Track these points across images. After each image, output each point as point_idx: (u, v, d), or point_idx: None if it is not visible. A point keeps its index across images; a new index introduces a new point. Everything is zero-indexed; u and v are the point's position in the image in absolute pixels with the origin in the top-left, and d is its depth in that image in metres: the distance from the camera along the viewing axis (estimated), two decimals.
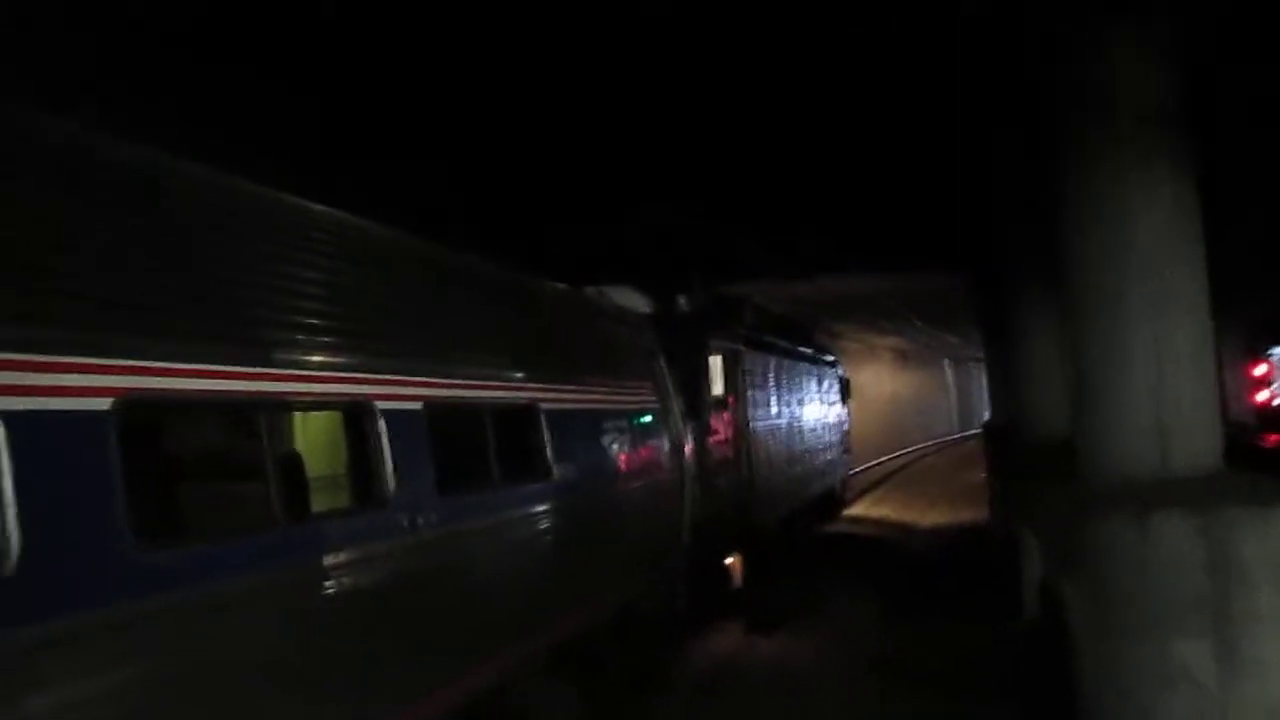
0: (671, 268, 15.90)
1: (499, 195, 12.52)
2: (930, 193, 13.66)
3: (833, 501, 24.06)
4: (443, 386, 6.69)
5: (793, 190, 13.56)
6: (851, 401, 27.29)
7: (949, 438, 49.95)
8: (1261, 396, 25.10)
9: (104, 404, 3.94)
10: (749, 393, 15.78)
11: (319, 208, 6.14)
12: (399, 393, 6.04)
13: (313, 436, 6.27)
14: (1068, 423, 7.44)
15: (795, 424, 19.67)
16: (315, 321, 5.55)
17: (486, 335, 7.70)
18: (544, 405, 8.01)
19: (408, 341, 6.47)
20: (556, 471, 8.00)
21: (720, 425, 14.20)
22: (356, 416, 5.76)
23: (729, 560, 14.00)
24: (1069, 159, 6.92)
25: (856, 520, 24.13)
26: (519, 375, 7.94)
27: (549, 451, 7.94)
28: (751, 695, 10.13)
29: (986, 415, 28.27)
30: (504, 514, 7.34)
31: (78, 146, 4.42)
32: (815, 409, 22.21)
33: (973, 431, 44.44)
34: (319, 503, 5.63)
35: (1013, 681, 8.97)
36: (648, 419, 10.71)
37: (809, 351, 22.77)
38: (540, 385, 8.13)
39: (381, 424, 5.75)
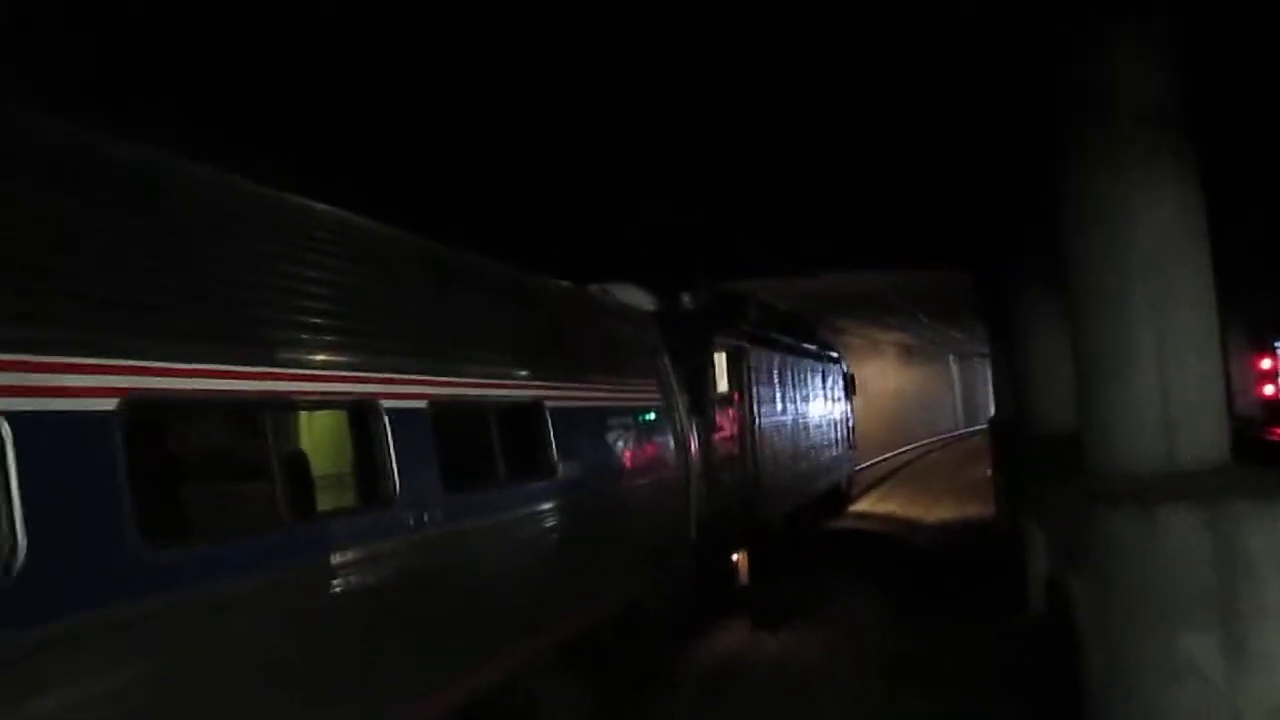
0: (673, 267, 15.89)
1: (499, 195, 12.51)
2: (931, 193, 13.63)
3: (838, 498, 24.06)
4: (447, 385, 6.69)
5: (793, 190, 13.54)
6: (856, 397, 27.28)
7: (954, 433, 49.94)
8: (1269, 390, 25.06)
9: (109, 404, 3.95)
10: (754, 389, 15.77)
11: (321, 207, 6.14)
12: (403, 391, 6.04)
13: (317, 435, 6.27)
14: (1073, 418, 7.42)
15: (800, 420, 19.67)
16: (319, 321, 5.56)
17: (490, 333, 7.69)
18: (549, 403, 8.01)
19: (411, 340, 6.47)
20: (561, 469, 8.00)
21: (725, 422, 14.20)
22: (361, 415, 5.77)
23: (735, 557, 13.99)
24: (1069, 159, 6.92)
25: (862, 516, 24.11)
26: (523, 373, 7.94)
27: (554, 449, 7.95)
28: (757, 693, 10.13)
29: (992, 410, 28.27)
30: (509, 512, 7.34)
31: (78, 146, 4.42)
32: (820, 405, 22.20)
33: (978, 427, 44.52)
34: (324, 502, 5.65)
35: (1019, 676, 8.96)
36: (652, 416, 10.71)
37: (813, 347, 22.77)
38: (545, 383, 8.13)
39: (386, 422, 5.75)
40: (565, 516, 8.03)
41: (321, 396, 5.57)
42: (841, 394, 25.39)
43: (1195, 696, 5.85)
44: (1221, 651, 5.84)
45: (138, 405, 4.10)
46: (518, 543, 7.44)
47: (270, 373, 5.01)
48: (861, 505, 26.00)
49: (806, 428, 20.27)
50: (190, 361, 4.45)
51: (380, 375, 5.87)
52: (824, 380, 23.12)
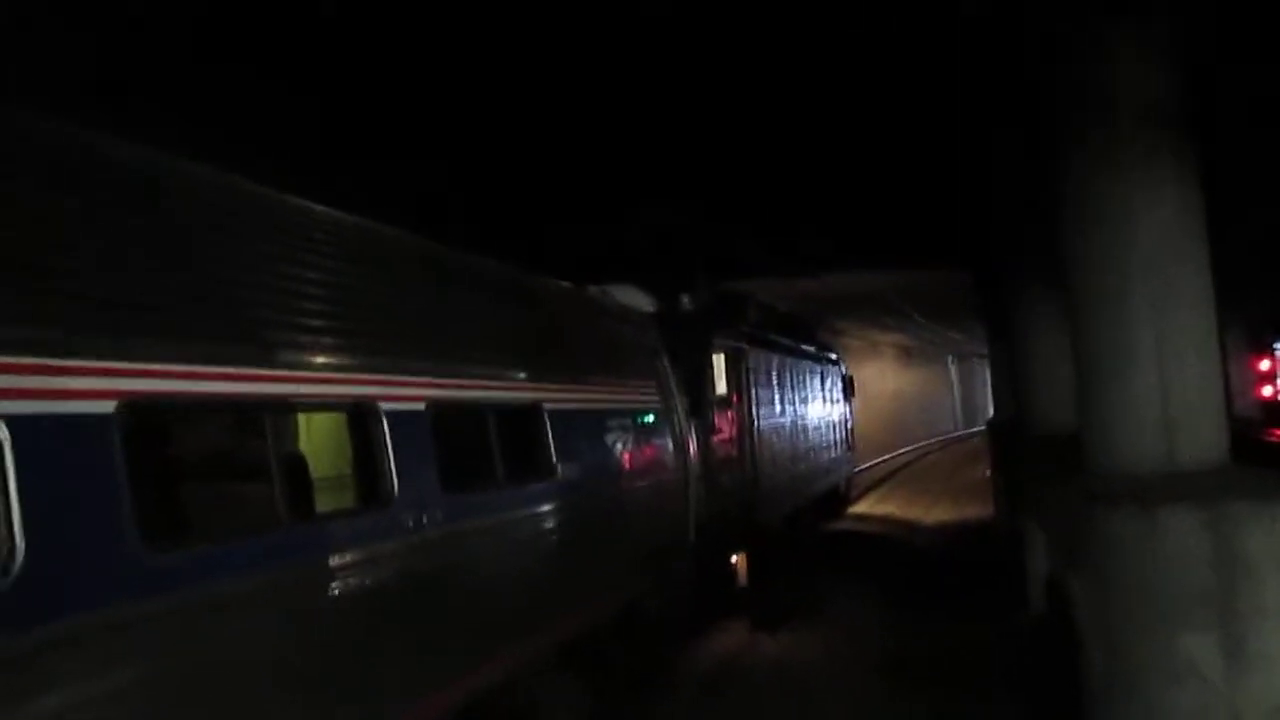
0: (672, 268, 15.88)
1: (499, 195, 12.51)
2: (931, 193, 13.64)
3: (837, 499, 24.05)
4: (446, 386, 6.69)
5: (793, 190, 13.55)
6: (855, 399, 27.28)
7: (953, 435, 49.95)
8: (1267, 391, 25.07)
9: (107, 407, 3.94)
10: (753, 391, 15.76)
11: (320, 208, 6.13)
12: (402, 393, 6.04)
13: (316, 437, 6.26)
14: (1073, 418, 7.42)
15: (799, 422, 19.66)
16: (318, 322, 5.55)
17: (490, 335, 7.69)
18: (548, 405, 8.00)
19: (411, 341, 6.46)
20: (560, 471, 7.99)
21: (724, 424, 14.20)
22: (360, 417, 5.76)
23: (733, 558, 13.98)
24: (1069, 159, 6.92)
25: (861, 518, 24.10)
26: (522, 375, 7.94)
27: (553, 451, 7.94)
28: (756, 694, 10.12)
29: (991, 411, 28.27)
30: (508, 513, 7.34)
31: (78, 146, 4.41)
32: (819, 407, 22.21)
33: (977, 428, 44.53)
34: (323, 503, 5.63)
35: (1019, 676, 8.96)
36: (651, 418, 10.70)
37: (812, 349, 22.77)
38: (544, 384, 8.12)
39: (385, 424, 5.75)
40: (564, 518, 8.02)
41: (320, 398, 5.57)
42: (840, 395, 25.38)
43: (1195, 697, 5.86)
44: (1221, 651, 5.85)
45: (137, 407, 4.10)
46: (516, 544, 7.43)
47: (269, 374, 5.01)
48: (860, 507, 26.00)
49: (805, 429, 20.26)
50: (189, 363, 4.45)
51: (379, 377, 5.87)
52: (823, 382, 23.12)
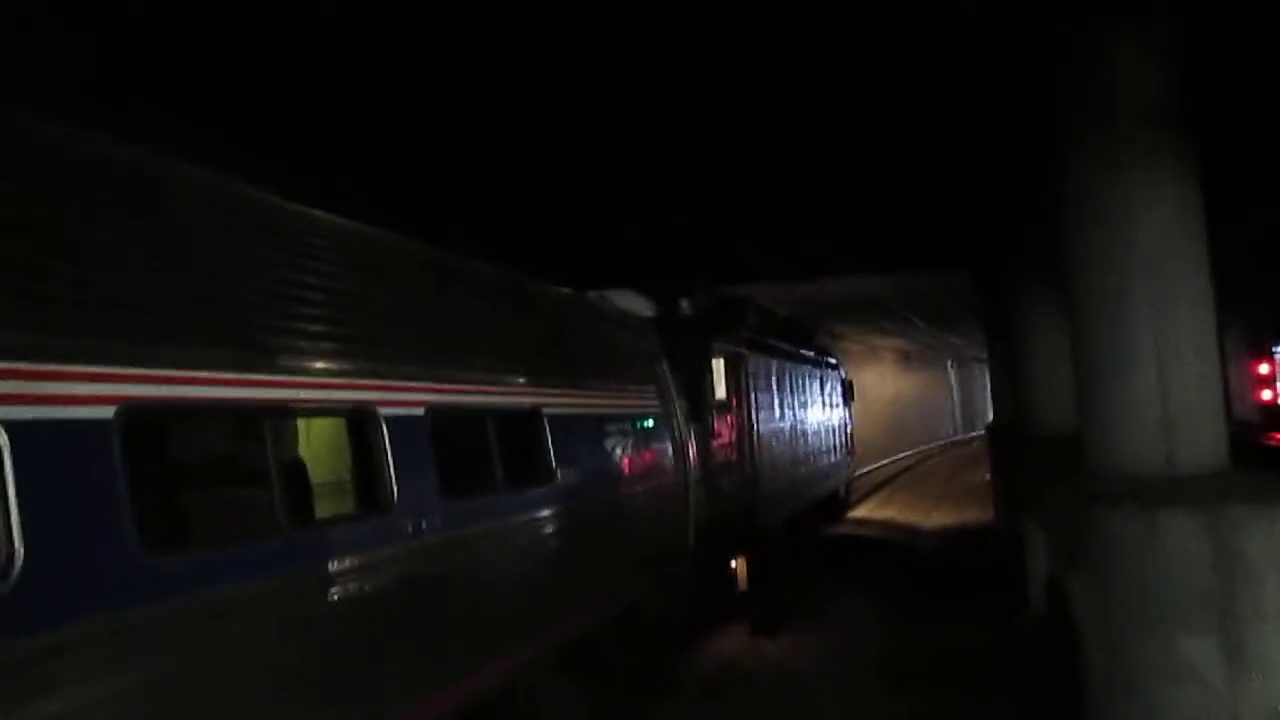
0: (672, 268, 15.87)
1: (499, 195, 12.51)
2: (931, 193, 13.65)
3: (837, 503, 24.05)
4: (446, 391, 6.67)
5: (793, 190, 13.55)
6: (854, 403, 27.28)
7: (952, 439, 49.98)
8: (1266, 395, 25.05)
9: (107, 412, 3.93)
10: (752, 395, 15.75)
11: (320, 213, 6.12)
12: (402, 398, 6.03)
13: (316, 442, 6.25)
14: (1073, 418, 7.42)
15: (799, 426, 19.65)
16: (318, 327, 5.54)
17: (489, 340, 7.68)
18: (547, 409, 7.99)
19: (410, 346, 6.45)
20: (560, 475, 7.98)
21: (724, 428, 14.18)
22: (360, 422, 5.75)
23: (733, 562, 13.97)
24: (1069, 159, 6.92)
25: (861, 522, 24.09)
26: (522, 380, 7.93)
27: (552, 455, 7.93)
28: (756, 697, 10.10)
29: (990, 416, 28.26)
30: (508, 518, 7.32)
31: (78, 148, 4.40)
32: (818, 411, 22.20)
33: (976, 433, 44.54)
34: (323, 508, 5.61)
35: (1019, 677, 8.95)
36: (651, 422, 10.69)
37: (812, 354, 22.76)
38: (543, 389, 8.11)
39: (385, 429, 5.73)
40: (563, 522, 8.01)
41: (321, 403, 5.55)
42: (840, 400, 25.38)
43: (1195, 699, 5.85)
44: (1221, 654, 5.84)
45: (136, 412, 4.09)
46: (516, 548, 7.42)
47: (269, 380, 5.00)
48: (860, 511, 25.99)
49: (805, 434, 20.25)
50: (189, 368, 4.44)
51: (379, 382, 5.85)
52: (822, 386, 23.12)
